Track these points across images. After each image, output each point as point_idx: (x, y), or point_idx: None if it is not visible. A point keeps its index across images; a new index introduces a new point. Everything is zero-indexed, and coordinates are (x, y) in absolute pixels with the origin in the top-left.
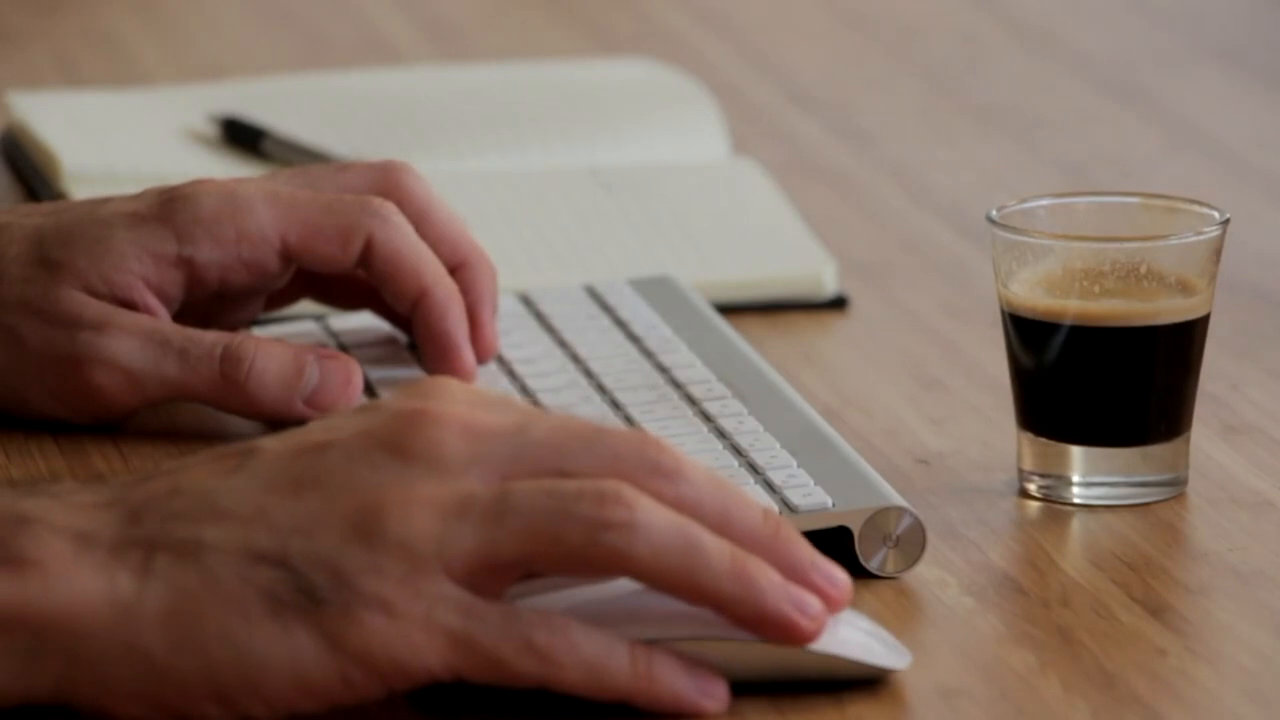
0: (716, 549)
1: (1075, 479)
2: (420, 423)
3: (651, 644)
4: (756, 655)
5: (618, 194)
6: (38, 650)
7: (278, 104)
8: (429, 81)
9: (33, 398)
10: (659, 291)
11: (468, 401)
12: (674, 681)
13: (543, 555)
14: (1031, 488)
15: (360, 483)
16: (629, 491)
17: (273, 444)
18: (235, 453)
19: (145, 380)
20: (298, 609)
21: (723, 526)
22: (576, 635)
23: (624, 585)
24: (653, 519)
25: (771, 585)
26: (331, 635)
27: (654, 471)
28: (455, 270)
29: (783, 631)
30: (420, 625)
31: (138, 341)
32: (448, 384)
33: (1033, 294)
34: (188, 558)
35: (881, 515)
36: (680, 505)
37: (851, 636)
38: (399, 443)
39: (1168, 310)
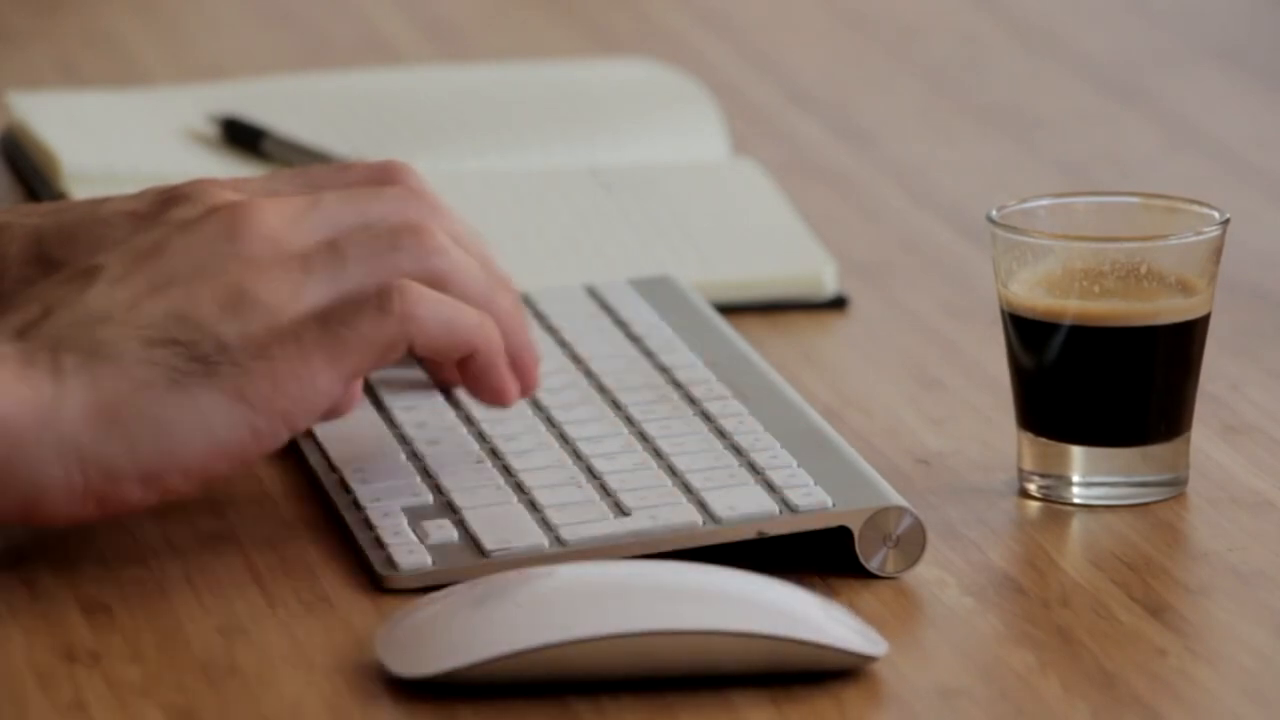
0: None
1: (1075, 479)
2: (238, 211)
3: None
4: (748, 648)
5: (618, 194)
6: (6, 462)
7: (278, 104)
8: (429, 81)
9: None
10: (659, 291)
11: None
12: (518, 331)
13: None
14: (1031, 488)
15: (211, 268)
16: (430, 223)
17: (111, 259)
18: (78, 273)
19: None
20: (198, 375)
21: (485, 264)
22: (423, 292)
23: (620, 575)
24: (456, 248)
25: (521, 332)
26: (231, 392)
27: (434, 211)
28: None
29: (496, 392)
30: (299, 358)
31: None
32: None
33: (1033, 294)
34: (93, 354)
35: (881, 515)
36: (459, 241)
37: (833, 628)
38: (228, 230)
39: (1168, 310)
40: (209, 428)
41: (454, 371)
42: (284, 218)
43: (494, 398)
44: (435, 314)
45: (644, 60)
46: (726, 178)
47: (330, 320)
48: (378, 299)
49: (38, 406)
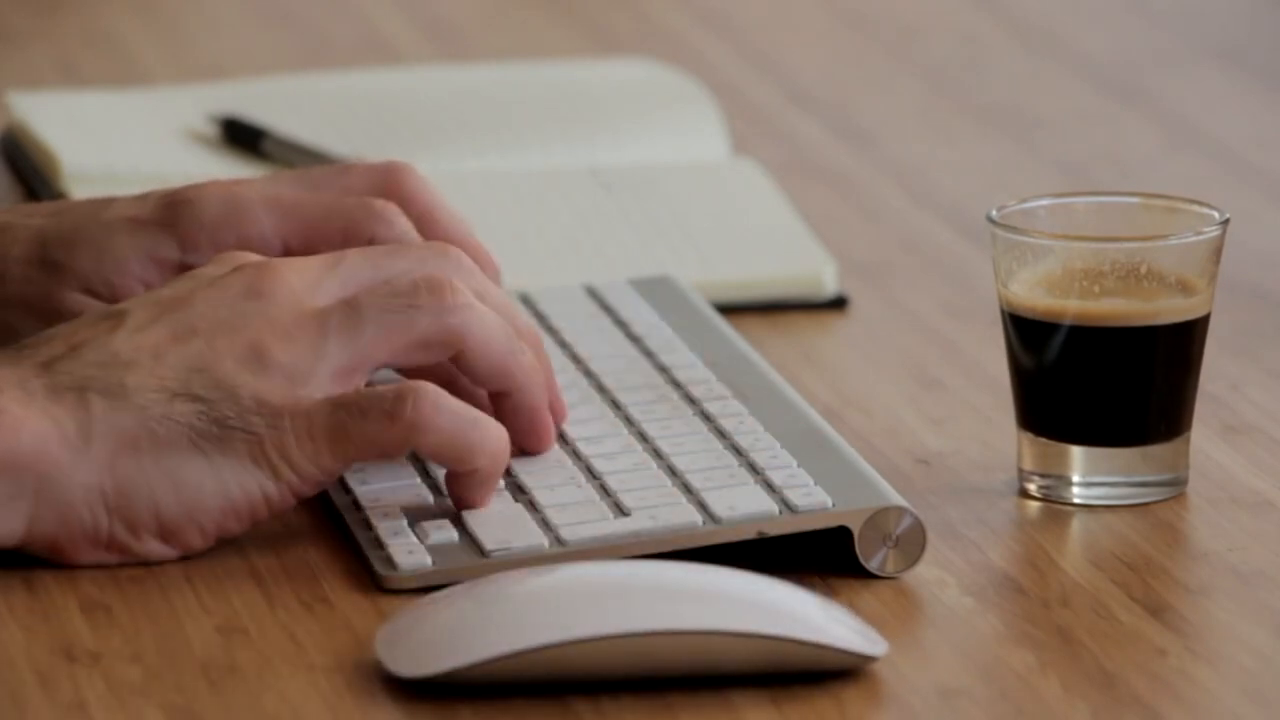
0: (521, 341)
1: (1075, 479)
2: (263, 271)
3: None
4: (748, 648)
5: (617, 194)
6: (14, 494)
7: (278, 104)
8: (429, 81)
9: None
10: (659, 291)
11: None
12: (542, 388)
13: (400, 347)
14: (1031, 488)
15: (233, 323)
16: (451, 280)
17: (136, 306)
18: (105, 316)
19: None
20: (217, 438)
21: (512, 321)
22: (440, 402)
23: (620, 575)
24: (479, 304)
25: (544, 389)
26: (246, 456)
27: (458, 268)
28: None
29: (538, 434)
30: (306, 436)
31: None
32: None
33: (1033, 294)
34: (118, 399)
35: (881, 515)
36: (484, 298)
37: (833, 628)
38: (252, 288)
39: (1168, 310)
40: (225, 489)
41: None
42: (306, 278)
43: (531, 446)
44: (444, 425)
45: (644, 60)
46: (727, 177)
47: (341, 409)
48: (390, 402)
49: (65, 443)
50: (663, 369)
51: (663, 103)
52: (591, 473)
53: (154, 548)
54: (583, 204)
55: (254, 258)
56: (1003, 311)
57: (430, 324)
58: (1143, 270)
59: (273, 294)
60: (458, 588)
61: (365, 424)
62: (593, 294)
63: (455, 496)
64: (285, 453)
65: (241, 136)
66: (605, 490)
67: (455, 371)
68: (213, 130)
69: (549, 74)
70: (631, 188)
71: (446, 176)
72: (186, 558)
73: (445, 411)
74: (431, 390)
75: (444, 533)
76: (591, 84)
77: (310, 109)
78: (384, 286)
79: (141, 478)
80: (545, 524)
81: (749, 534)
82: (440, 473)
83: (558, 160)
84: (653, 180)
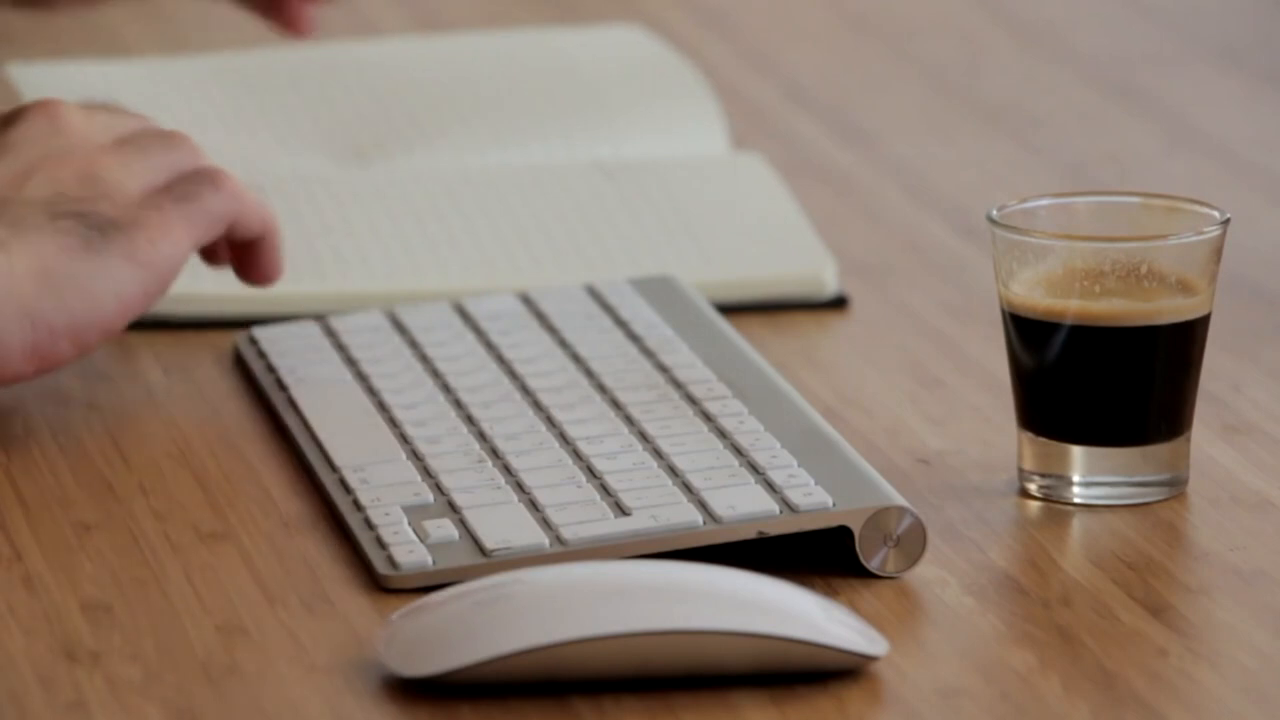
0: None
1: (1075, 479)
2: (49, 107)
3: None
4: (748, 648)
5: (621, 184)
6: None
7: (277, 79)
8: (422, 61)
9: None
10: (659, 291)
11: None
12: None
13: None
14: (1032, 488)
15: (56, 154)
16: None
17: None
18: None
19: None
20: (98, 241)
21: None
22: (240, 181)
23: (620, 575)
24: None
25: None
26: (127, 255)
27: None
28: None
29: (274, 270)
30: (164, 225)
31: None
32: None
33: (1033, 294)
34: (17, 226)
35: (882, 515)
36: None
37: (834, 628)
38: (51, 125)
39: (1168, 310)
40: (118, 287)
41: (225, 252)
42: (81, 114)
43: (270, 275)
44: (247, 193)
45: (629, 28)
46: (731, 172)
47: (176, 195)
48: (210, 179)
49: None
50: (663, 369)
51: (660, 90)
52: (592, 472)
53: (65, 350)
54: (585, 198)
55: (27, 104)
56: (1003, 311)
57: (194, 162)
58: (1143, 270)
59: (70, 128)
60: (458, 588)
61: (203, 199)
62: (593, 293)
63: (258, 271)
64: (156, 246)
65: None
66: (606, 490)
67: None
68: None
69: (537, 49)
70: (635, 180)
71: (451, 172)
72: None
73: (244, 185)
74: (228, 171)
75: (444, 532)
76: (585, 66)
77: (311, 90)
78: (144, 132)
79: (53, 287)
80: (546, 523)
81: (749, 534)
82: (440, 473)
83: (559, 155)
84: (656, 174)
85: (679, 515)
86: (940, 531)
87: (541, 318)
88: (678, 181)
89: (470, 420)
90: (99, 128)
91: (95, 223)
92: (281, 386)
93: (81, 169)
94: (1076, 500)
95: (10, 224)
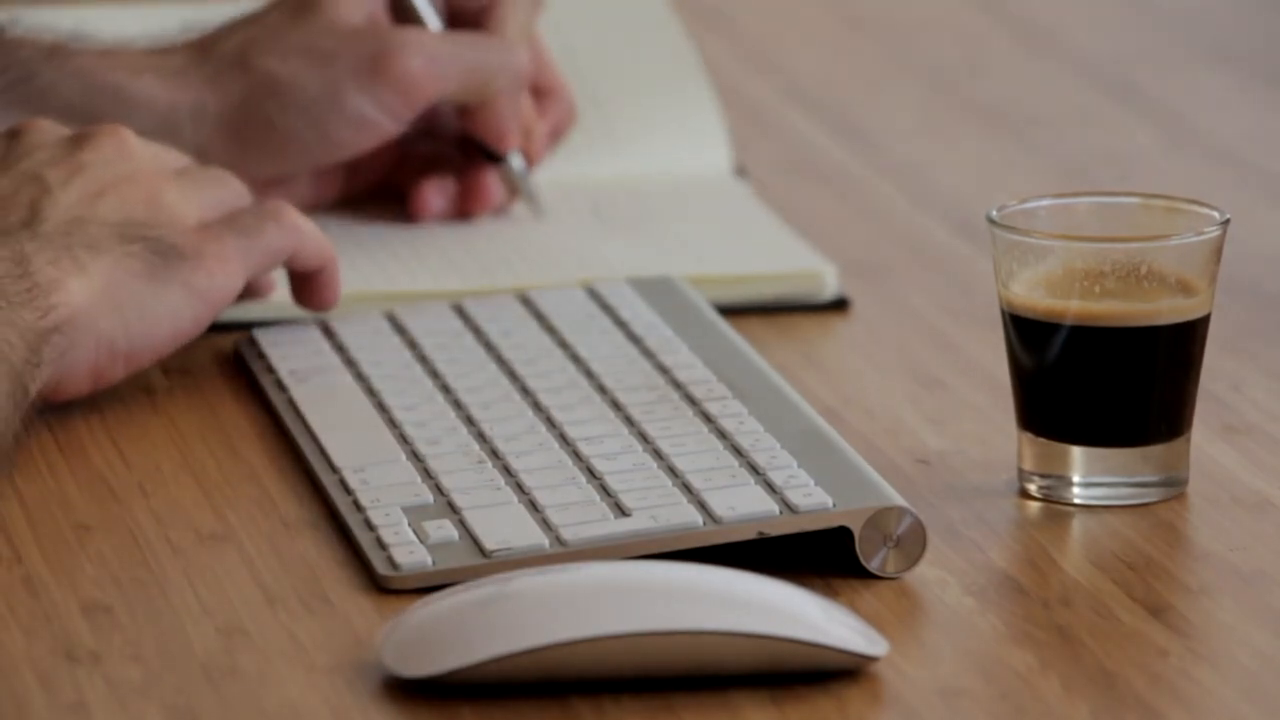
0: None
1: (1075, 479)
2: (112, 132)
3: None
4: (749, 648)
5: (610, 221)
6: (69, 346)
7: None
8: None
9: (347, 100)
10: (659, 291)
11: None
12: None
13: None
14: (1032, 488)
15: (126, 175)
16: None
17: (42, 171)
18: (23, 181)
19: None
20: (163, 270)
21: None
22: (298, 212)
23: (620, 575)
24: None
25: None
26: (184, 283)
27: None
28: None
29: (332, 297)
30: (222, 257)
31: (429, 34)
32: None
33: (1033, 294)
34: (94, 249)
35: (882, 515)
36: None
37: (834, 629)
38: (118, 149)
39: (1168, 310)
40: (174, 314)
41: (269, 284)
42: (143, 143)
43: (328, 303)
44: (306, 225)
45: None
46: (722, 195)
47: (237, 229)
48: (273, 214)
49: (72, 296)
50: (663, 369)
51: (665, 104)
52: (592, 473)
53: (118, 371)
54: (580, 224)
55: (65, 130)
56: (1003, 311)
57: (247, 198)
58: (1143, 270)
59: (133, 153)
60: (458, 588)
61: (264, 234)
62: (593, 294)
63: (317, 298)
64: (212, 277)
65: None
66: (606, 490)
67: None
68: None
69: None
70: (626, 215)
71: None
72: (186, 558)
73: (304, 217)
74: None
75: (444, 532)
76: (589, 58)
77: None
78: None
79: (119, 310)
80: (546, 524)
81: (749, 534)
82: (440, 474)
83: (559, 171)
84: (649, 199)
85: (679, 516)
86: (940, 532)
87: (541, 318)
88: (671, 205)
89: (470, 421)
90: (160, 157)
91: (159, 249)
92: (281, 387)
93: (148, 194)
94: (1076, 500)
95: (87, 246)
